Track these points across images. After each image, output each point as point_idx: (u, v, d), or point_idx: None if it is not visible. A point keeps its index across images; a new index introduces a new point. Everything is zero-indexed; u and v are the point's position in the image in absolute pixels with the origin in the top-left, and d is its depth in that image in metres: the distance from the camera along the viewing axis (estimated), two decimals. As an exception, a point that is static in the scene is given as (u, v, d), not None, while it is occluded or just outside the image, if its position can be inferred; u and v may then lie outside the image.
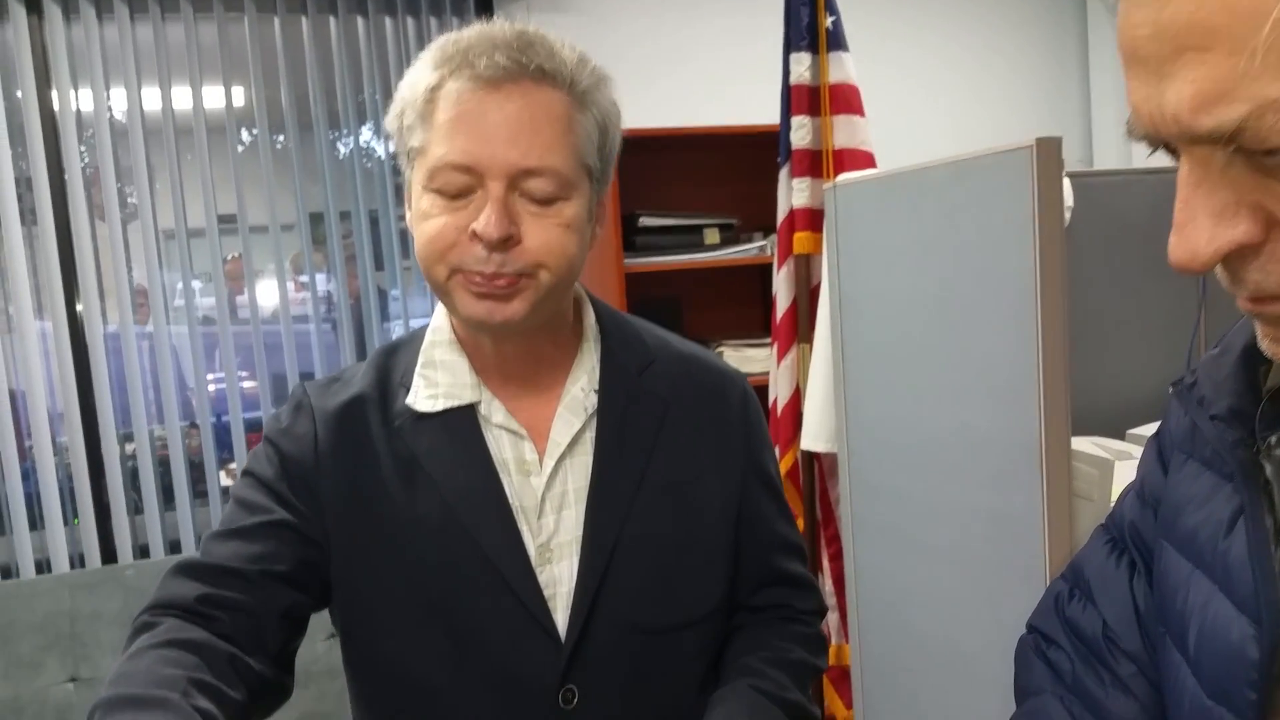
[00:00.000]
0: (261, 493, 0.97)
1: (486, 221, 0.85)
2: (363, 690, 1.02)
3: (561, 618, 0.94)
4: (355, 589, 0.97)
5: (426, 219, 0.88)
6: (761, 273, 2.99)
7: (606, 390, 0.99)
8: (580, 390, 0.98)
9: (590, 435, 0.98)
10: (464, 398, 0.96)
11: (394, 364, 1.01)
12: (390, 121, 0.93)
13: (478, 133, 0.85)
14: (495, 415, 0.97)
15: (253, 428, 2.95)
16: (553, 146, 0.86)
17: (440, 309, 1.02)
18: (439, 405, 0.96)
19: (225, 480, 2.96)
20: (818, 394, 2.29)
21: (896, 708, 2.10)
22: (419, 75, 0.89)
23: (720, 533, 1.02)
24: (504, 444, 0.96)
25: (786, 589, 1.09)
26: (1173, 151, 0.51)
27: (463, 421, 0.96)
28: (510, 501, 0.95)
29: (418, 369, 0.99)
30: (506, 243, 0.86)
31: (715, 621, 1.04)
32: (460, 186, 0.86)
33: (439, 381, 0.97)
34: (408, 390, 0.97)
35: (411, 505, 0.95)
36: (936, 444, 1.70)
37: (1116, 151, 3.54)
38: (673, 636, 0.99)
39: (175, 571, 0.92)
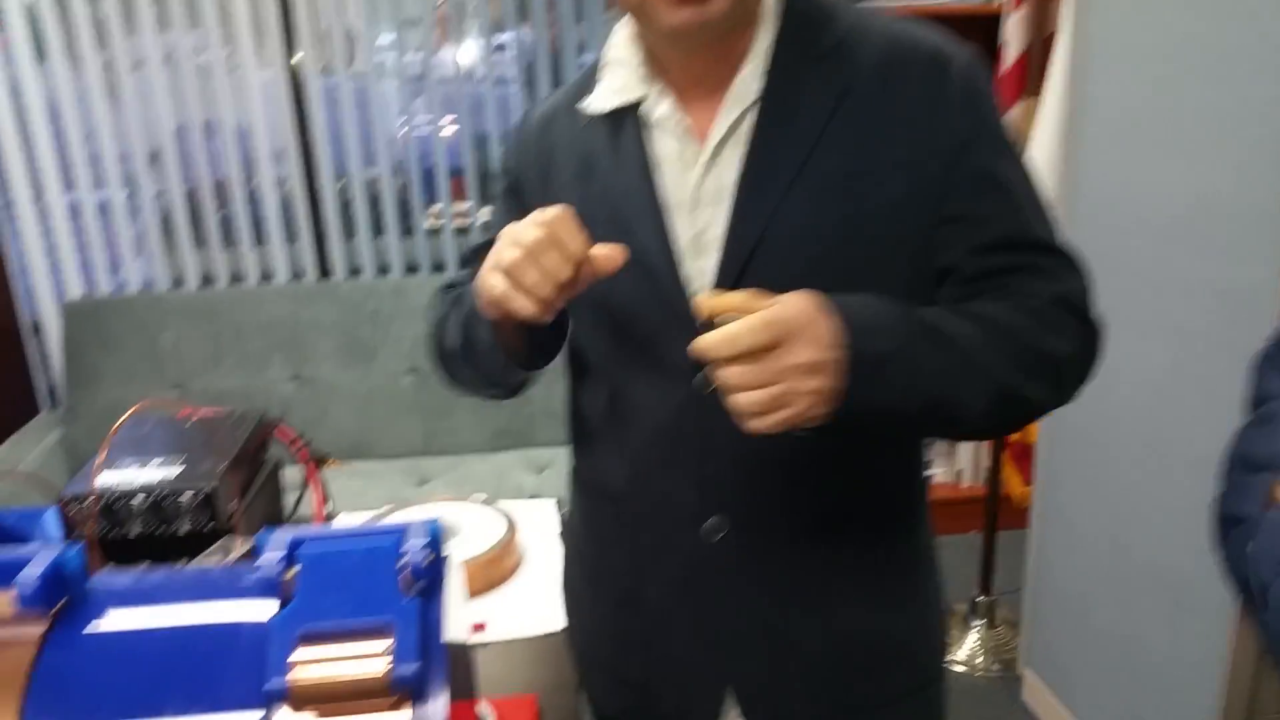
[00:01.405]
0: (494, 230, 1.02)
1: None
2: (570, 380, 1.12)
3: None
4: None
5: None
6: (987, 24, 2.74)
7: (772, 76, 0.94)
8: (747, 78, 0.95)
9: (750, 125, 0.94)
10: (631, 94, 0.97)
11: (596, 67, 1.04)
12: None
13: None
14: (658, 109, 0.96)
15: (455, 173, 3.04)
16: None
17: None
18: (610, 103, 0.98)
19: (429, 222, 3.09)
20: (1043, 152, 2.14)
21: (1080, 484, 2.05)
22: None
23: (902, 230, 0.93)
24: (666, 138, 0.97)
25: (1008, 276, 0.92)
26: None
27: (626, 118, 0.98)
28: (662, 197, 0.96)
29: (601, 69, 1.01)
30: None
31: None
32: None
33: (612, 80, 0.99)
34: (592, 91, 1.00)
35: (586, 203, 0.97)
36: (1173, 210, 1.56)
37: None
38: None
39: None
